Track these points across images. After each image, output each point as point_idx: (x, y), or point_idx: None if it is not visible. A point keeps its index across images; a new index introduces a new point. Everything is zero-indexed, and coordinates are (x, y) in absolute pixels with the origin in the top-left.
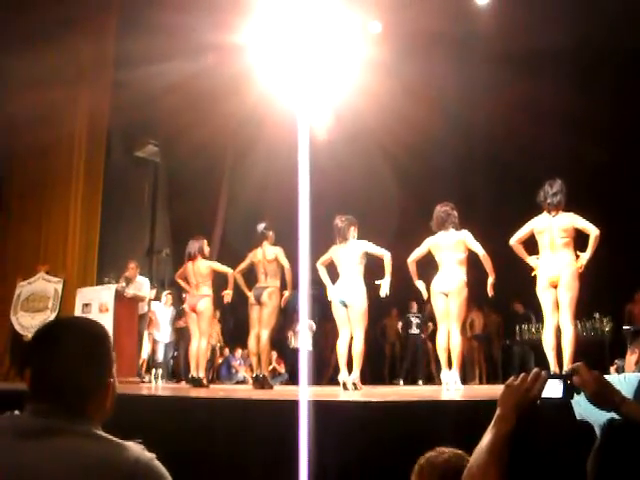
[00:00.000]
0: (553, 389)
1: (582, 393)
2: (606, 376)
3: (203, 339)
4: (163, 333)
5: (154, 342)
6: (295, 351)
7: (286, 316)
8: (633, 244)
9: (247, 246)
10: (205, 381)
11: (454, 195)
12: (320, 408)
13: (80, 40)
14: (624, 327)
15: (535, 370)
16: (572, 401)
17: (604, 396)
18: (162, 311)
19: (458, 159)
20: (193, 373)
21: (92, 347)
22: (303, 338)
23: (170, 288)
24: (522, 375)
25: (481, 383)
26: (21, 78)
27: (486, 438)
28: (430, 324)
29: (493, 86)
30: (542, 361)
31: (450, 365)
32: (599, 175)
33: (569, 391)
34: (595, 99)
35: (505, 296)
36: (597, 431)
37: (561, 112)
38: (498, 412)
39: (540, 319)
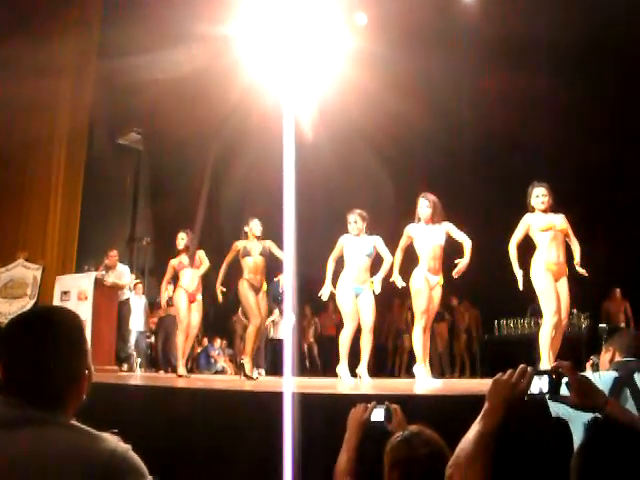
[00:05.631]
0: (539, 385)
1: (566, 389)
2: (582, 373)
3: None
4: (137, 322)
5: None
6: (273, 342)
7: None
8: (612, 240)
9: (232, 236)
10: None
11: (441, 189)
12: (304, 400)
13: (65, 29)
14: (600, 325)
15: (521, 366)
16: (547, 399)
17: (588, 397)
18: (135, 300)
19: (446, 152)
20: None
21: (67, 338)
22: (286, 329)
23: (150, 276)
24: (509, 371)
25: (461, 377)
26: (3, 67)
27: (473, 430)
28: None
29: (480, 79)
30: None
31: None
32: (584, 171)
33: (555, 387)
34: (585, 91)
35: (486, 290)
36: (572, 429)
37: (550, 104)
38: (486, 406)
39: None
